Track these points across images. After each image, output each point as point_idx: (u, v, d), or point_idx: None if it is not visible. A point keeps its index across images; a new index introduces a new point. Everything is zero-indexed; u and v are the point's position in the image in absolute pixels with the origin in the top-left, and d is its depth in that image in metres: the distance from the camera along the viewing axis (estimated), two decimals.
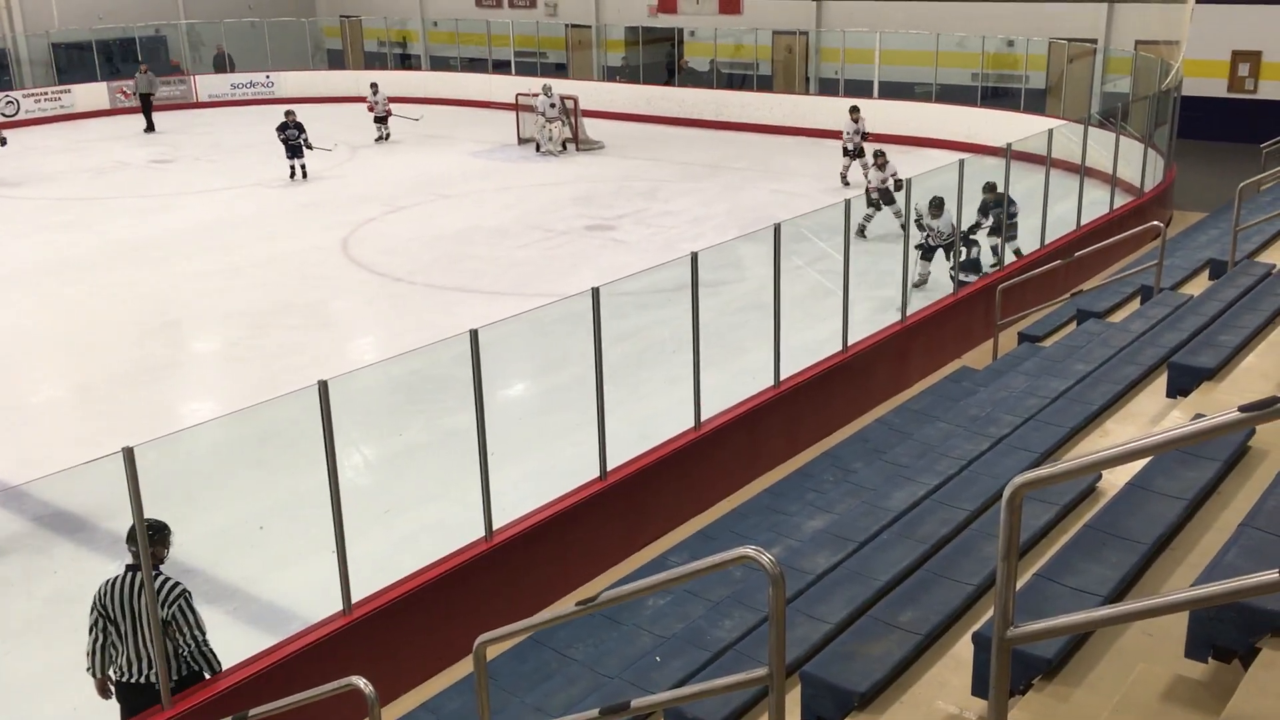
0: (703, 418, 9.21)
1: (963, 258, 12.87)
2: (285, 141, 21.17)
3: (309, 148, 21.24)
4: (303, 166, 21.38)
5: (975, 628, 4.15)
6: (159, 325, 13.56)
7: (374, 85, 25.81)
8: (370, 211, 19.09)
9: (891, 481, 6.84)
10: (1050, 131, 14.62)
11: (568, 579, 8.03)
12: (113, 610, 5.86)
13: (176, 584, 5.91)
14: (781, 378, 9.98)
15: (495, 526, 7.63)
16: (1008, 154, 13.11)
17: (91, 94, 30.12)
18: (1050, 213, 14.25)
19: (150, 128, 28.00)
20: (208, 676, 6.16)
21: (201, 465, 8.61)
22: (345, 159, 23.49)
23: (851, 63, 26.39)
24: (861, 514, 6.39)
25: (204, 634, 6.06)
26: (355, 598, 6.90)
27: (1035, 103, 23.74)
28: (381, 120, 25.37)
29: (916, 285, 13.11)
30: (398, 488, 9.32)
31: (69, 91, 29.29)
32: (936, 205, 13.10)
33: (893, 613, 4.70)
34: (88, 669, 5.97)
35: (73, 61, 30.84)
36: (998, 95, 24.64)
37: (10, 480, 9.50)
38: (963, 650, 4.43)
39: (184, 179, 22.40)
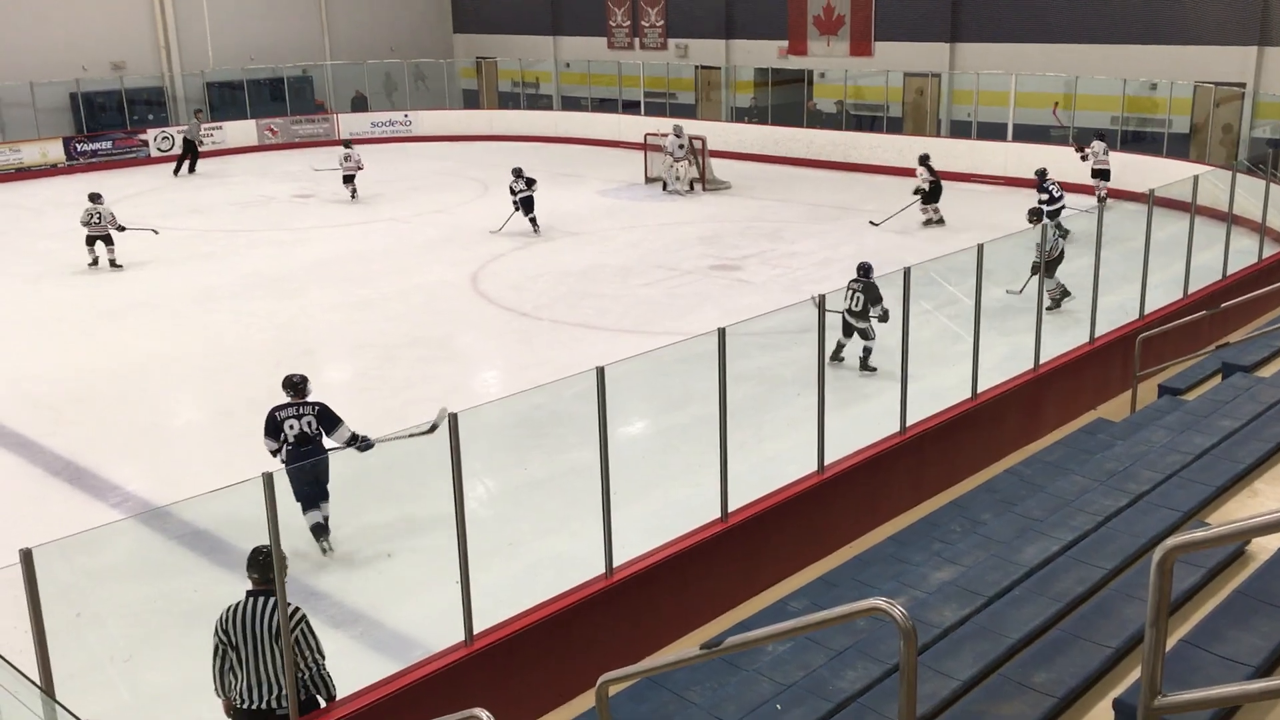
0: (826, 462, 9.09)
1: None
2: (518, 199, 20.19)
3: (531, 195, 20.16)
4: (532, 220, 20.35)
5: (1115, 694, 3.99)
6: (295, 354, 14.01)
7: (347, 141, 25.11)
8: (499, 248, 19.49)
9: (1023, 535, 6.63)
10: (1195, 178, 14.11)
11: (686, 619, 7.98)
12: (234, 636, 5.94)
13: (296, 609, 6.02)
14: (908, 423, 9.80)
15: (615, 564, 7.64)
16: (1150, 200, 12.70)
17: (242, 130, 31.61)
18: (1194, 261, 13.75)
19: (189, 169, 27.83)
20: (322, 703, 6.21)
21: (333, 492, 8.83)
22: (476, 195, 24.04)
23: (985, 105, 25.97)
24: (991, 567, 6.20)
25: (323, 658, 6.13)
26: (477, 629, 6.97)
27: (1179, 148, 22.99)
28: (348, 179, 23.95)
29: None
30: (519, 521, 9.40)
31: (220, 128, 30.72)
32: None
33: (1026, 673, 4.54)
34: (215, 690, 6.13)
35: (224, 99, 32.41)
36: (1139, 139, 23.94)
37: (152, 500, 9.91)
38: (1100, 716, 4.25)
39: (322, 214, 23.21)
